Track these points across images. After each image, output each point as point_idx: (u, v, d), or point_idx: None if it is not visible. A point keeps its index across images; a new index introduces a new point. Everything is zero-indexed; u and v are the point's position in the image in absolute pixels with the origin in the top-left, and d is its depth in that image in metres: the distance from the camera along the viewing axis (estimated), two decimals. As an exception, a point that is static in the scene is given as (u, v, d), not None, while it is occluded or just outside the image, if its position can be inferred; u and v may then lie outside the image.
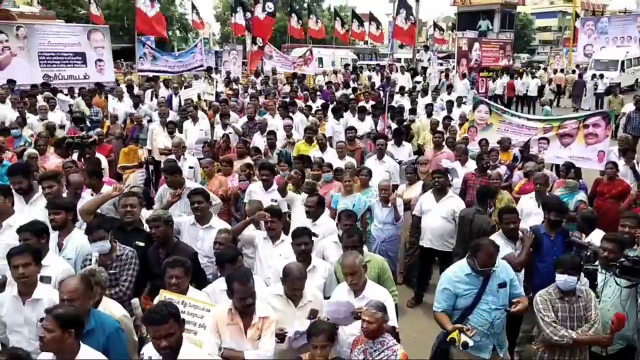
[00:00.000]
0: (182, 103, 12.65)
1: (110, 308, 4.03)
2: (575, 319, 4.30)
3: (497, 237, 5.38)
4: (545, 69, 31.18)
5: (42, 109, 10.59)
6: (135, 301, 4.18)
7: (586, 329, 4.25)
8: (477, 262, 4.34)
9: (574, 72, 28.75)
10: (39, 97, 12.12)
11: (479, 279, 4.38)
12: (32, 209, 5.49)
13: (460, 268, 4.49)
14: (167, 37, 19.86)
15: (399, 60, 34.89)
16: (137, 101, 12.71)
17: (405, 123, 11.73)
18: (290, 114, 11.01)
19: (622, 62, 28.13)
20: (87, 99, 12.69)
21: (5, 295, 4.03)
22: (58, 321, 3.17)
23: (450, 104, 13.76)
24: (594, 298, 4.37)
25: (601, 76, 24.54)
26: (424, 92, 16.38)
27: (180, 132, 10.02)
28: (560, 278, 4.30)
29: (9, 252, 3.92)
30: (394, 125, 11.20)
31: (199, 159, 8.59)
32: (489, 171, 7.83)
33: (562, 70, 28.74)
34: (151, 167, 9.77)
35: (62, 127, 10.52)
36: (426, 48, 27.65)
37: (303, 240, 4.77)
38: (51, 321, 3.18)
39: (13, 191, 5.39)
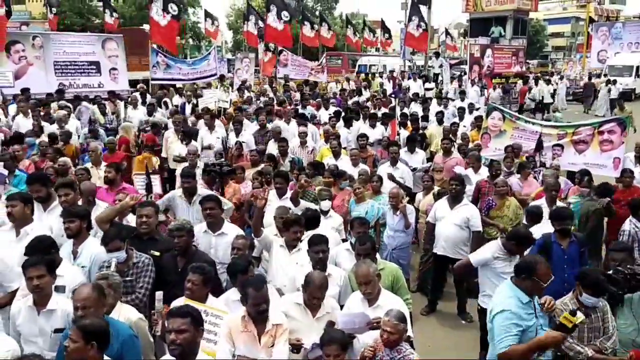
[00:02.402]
0: (199, 111, 12.67)
1: (125, 312, 4.05)
2: (594, 330, 4.25)
3: (495, 245, 5.38)
4: (553, 74, 31.03)
5: (61, 118, 10.68)
6: (159, 294, 4.17)
7: (605, 341, 4.20)
8: (536, 285, 3.88)
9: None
10: (53, 105, 12.25)
11: (531, 305, 3.91)
12: (50, 217, 5.54)
13: (517, 297, 3.89)
14: (175, 50, 19.77)
15: (410, 67, 34.94)
16: (151, 109, 12.81)
17: (420, 131, 11.70)
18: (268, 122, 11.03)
19: (637, 67, 27.94)
20: (102, 107, 12.81)
21: (21, 305, 4.06)
22: (82, 332, 3.17)
23: (461, 110, 13.73)
24: (609, 310, 4.31)
25: (614, 82, 24.35)
26: (439, 98, 16.35)
27: (195, 139, 10.05)
28: (590, 299, 4.20)
29: (24, 264, 3.94)
30: (403, 132, 11.18)
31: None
32: (501, 177, 7.85)
33: (599, 76, 28.57)
34: (166, 175, 9.78)
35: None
36: (437, 55, 27.53)
37: (321, 248, 4.74)
38: (76, 332, 3.18)
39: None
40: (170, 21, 16.95)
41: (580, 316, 3.54)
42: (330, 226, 6.20)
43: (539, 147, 9.15)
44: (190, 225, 5.10)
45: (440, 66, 24.43)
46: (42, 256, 4.07)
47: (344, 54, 33.04)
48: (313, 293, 4.13)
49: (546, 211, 6.62)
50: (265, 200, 5.49)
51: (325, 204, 6.39)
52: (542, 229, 5.84)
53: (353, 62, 32.70)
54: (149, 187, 8.13)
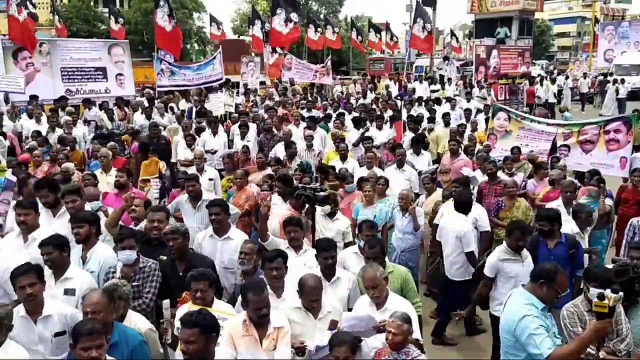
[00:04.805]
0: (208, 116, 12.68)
1: (136, 322, 4.05)
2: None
3: (499, 248, 5.33)
4: (559, 73, 30.95)
5: (67, 124, 10.74)
6: (166, 302, 4.20)
7: (618, 343, 4.15)
8: (553, 294, 3.78)
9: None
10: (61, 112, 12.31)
11: (545, 312, 3.80)
12: (59, 223, 5.53)
13: (532, 304, 3.76)
14: (178, 56, 19.89)
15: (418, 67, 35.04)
16: (149, 113, 12.86)
17: (419, 132, 11.64)
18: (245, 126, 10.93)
19: (644, 66, 27.80)
20: (109, 113, 12.87)
21: (14, 316, 3.93)
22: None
23: (468, 112, 13.67)
24: (623, 311, 4.27)
25: (622, 81, 24.21)
26: (448, 100, 16.32)
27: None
28: (597, 292, 4.11)
29: (13, 273, 3.91)
30: (409, 134, 11.16)
31: (219, 170, 8.65)
32: (502, 177, 7.86)
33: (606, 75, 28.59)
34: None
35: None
36: (446, 59, 27.40)
37: (330, 254, 4.73)
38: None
39: (39, 205, 5.42)
40: (175, 27, 17.09)
41: (610, 295, 3.35)
42: (337, 228, 6.22)
43: (554, 149, 9.07)
44: (184, 228, 5.09)
45: (450, 69, 24.34)
46: (30, 264, 4.01)
47: (386, 57, 33.57)
48: (309, 296, 4.12)
49: (563, 211, 6.59)
50: (268, 207, 5.48)
51: (326, 207, 6.41)
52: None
53: (395, 65, 33.88)
54: (162, 191, 8.10)
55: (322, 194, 5.74)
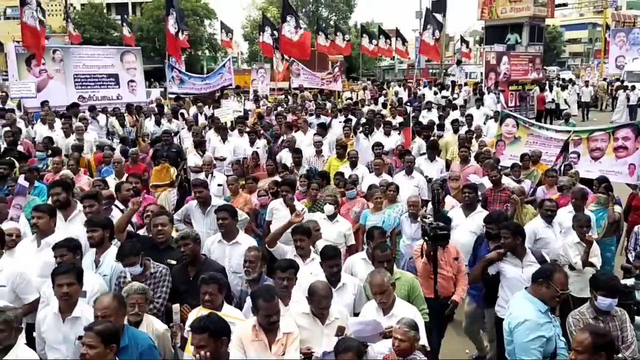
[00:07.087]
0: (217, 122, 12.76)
1: (152, 323, 4.14)
2: None
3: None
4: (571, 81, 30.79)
5: (79, 130, 10.85)
6: (176, 307, 4.27)
7: (623, 350, 4.15)
8: (552, 293, 3.92)
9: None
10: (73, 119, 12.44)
11: (548, 314, 3.96)
12: (71, 226, 5.62)
13: (536, 307, 3.92)
14: (180, 60, 20.23)
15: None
16: (158, 119, 13.02)
17: (432, 138, 11.64)
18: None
19: (656, 73, 27.55)
20: (121, 119, 13.00)
21: (47, 311, 4.16)
22: (100, 337, 3.25)
23: (470, 117, 13.58)
24: (628, 318, 4.27)
25: (632, 88, 24.07)
26: (457, 106, 16.30)
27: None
28: (605, 301, 4.16)
29: (54, 271, 4.05)
30: (418, 140, 11.16)
31: (228, 177, 8.72)
32: (510, 184, 7.84)
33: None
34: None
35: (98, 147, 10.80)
36: (459, 62, 27.31)
37: (335, 262, 4.78)
38: (94, 337, 3.24)
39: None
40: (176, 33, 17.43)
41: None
42: (338, 230, 6.33)
43: (566, 149, 9.01)
44: (195, 234, 5.16)
45: (464, 73, 24.32)
46: (73, 264, 4.20)
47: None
48: (318, 303, 4.16)
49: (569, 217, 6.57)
50: (302, 216, 5.56)
51: (328, 208, 6.46)
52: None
53: (433, 72, 34.03)
54: (179, 203, 8.10)
55: (440, 232, 5.23)
